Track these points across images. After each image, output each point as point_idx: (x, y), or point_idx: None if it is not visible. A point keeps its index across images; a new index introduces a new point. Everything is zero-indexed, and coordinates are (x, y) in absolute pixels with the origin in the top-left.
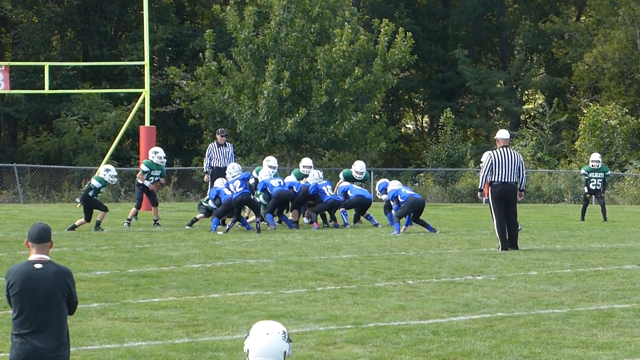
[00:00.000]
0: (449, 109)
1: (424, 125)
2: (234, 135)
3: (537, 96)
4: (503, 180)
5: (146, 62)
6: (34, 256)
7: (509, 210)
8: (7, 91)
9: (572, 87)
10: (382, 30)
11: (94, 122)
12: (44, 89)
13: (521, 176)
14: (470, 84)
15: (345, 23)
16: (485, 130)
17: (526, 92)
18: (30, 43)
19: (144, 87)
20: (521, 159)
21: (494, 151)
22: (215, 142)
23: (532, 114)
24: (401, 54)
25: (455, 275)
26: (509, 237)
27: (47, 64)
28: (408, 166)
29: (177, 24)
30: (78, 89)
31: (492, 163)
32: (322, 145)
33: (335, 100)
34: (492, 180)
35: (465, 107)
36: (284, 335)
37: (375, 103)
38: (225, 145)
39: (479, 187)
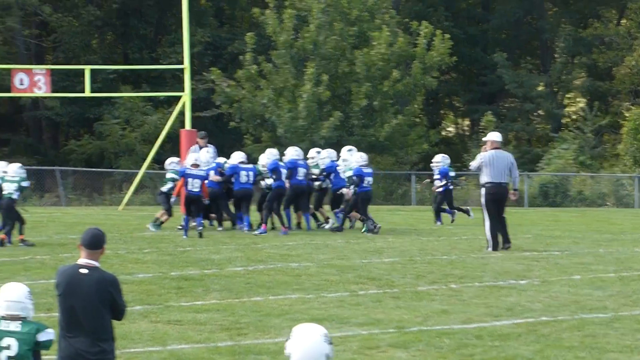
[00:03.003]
0: (490, 112)
1: (465, 128)
2: (273, 138)
3: (578, 99)
4: (495, 181)
5: (186, 65)
6: (82, 260)
7: (499, 210)
8: (49, 95)
9: (613, 90)
10: (421, 32)
11: (135, 125)
12: (84, 92)
13: (513, 176)
14: (510, 87)
15: (383, 26)
16: (526, 134)
17: (567, 96)
18: (70, 47)
19: (183, 91)
20: (512, 159)
21: (486, 153)
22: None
23: (574, 117)
24: (440, 56)
25: (498, 279)
26: (502, 234)
27: (87, 68)
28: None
29: (216, 28)
30: (118, 92)
31: (483, 163)
32: (362, 148)
33: (375, 103)
34: (486, 182)
35: (506, 110)
36: (325, 338)
37: (415, 106)
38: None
39: (470, 167)
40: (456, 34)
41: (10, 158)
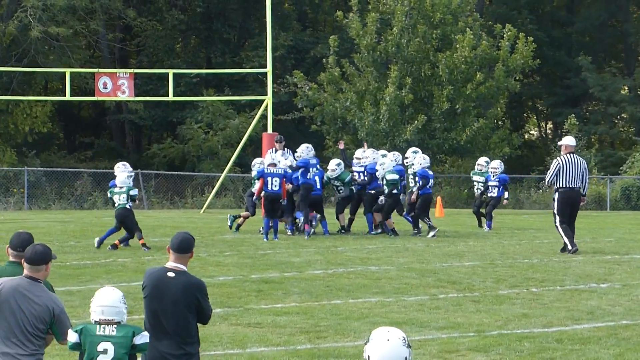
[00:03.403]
0: (573, 115)
1: (548, 131)
2: (355, 141)
3: None
4: (570, 186)
5: (269, 69)
6: (170, 263)
7: (572, 215)
8: (132, 98)
9: None
10: (504, 35)
11: (217, 129)
12: (168, 96)
13: (584, 182)
14: (594, 91)
15: (467, 29)
16: (609, 137)
17: None
18: (154, 50)
19: (266, 94)
20: (585, 165)
21: (561, 157)
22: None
23: None
24: (523, 59)
25: (579, 282)
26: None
27: (171, 72)
28: (531, 173)
29: (299, 31)
30: (201, 96)
31: (559, 169)
32: (444, 151)
33: (457, 106)
34: (560, 185)
35: (590, 113)
36: (404, 341)
37: (498, 109)
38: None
39: (546, 182)
40: (540, 37)
41: (93, 161)
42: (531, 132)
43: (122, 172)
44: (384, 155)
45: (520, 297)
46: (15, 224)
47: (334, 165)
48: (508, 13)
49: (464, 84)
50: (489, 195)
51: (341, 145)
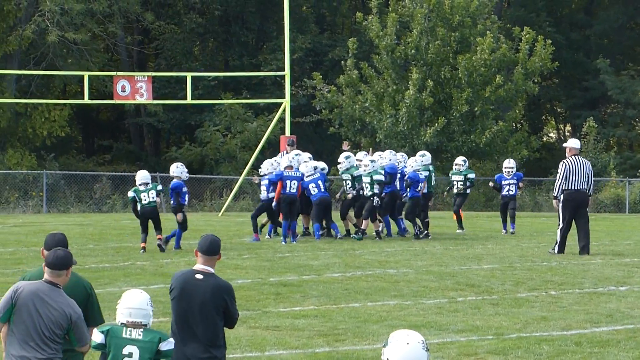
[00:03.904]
0: (591, 118)
1: (567, 134)
2: (373, 144)
3: None
4: (576, 188)
5: (287, 72)
6: (198, 266)
7: (581, 216)
8: (150, 101)
9: None
10: (523, 38)
11: (235, 132)
12: (186, 99)
13: (590, 183)
14: (612, 93)
15: (487, 32)
16: (628, 140)
17: None
18: (172, 54)
19: (284, 97)
20: (590, 166)
21: (567, 160)
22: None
23: None
24: (542, 61)
25: (598, 285)
26: (584, 244)
27: (189, 75)
28: (549, 175)
29: (317, 34)
30: (219, 99)
31: (566, 171)
32: (463, 154)
33: (476, 109)
34: (565, 187)
35: (608, 116)
36: (423, 344)
37: (517, 112)
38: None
39: (554, 195)
40: (558, 40)
41: (112, 165)
42: (550, 134)
43: (181, 172)
44: (423, 155)
45: (539, 300)
46: (34, 227)
47: (342, 158)
48: (526, 16)
49: (483, 86)
50: (507, 194)
51: (345, 147)
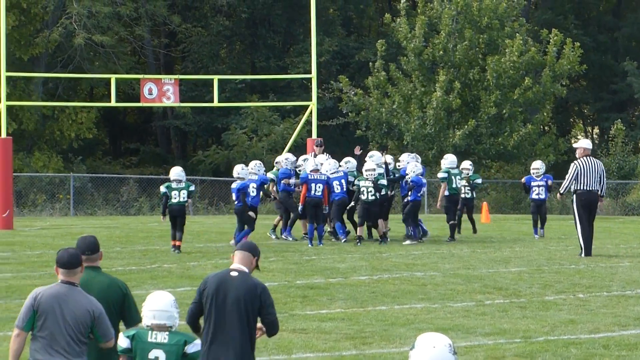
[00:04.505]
0: (619, 120)
1: (594, 136)
2: (400, 146)
3: None
4: (588, 189)
5: (313, 74)
6: (234, 265)
7: (591, 217)
8: (177, 104)
9: None
10: (550, 40)
11: (262, 134)
12: (212, 102)
13: (602, 184)
14: (639, 96)
15: (516, 34)
16: None
17: None
18: (199, 56)
19: (311, 100)
20: (603, 167)
21: (579, 160)
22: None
23: None
24: (570, 64)
25: (626, 288)
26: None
27: (216, 77)
28: None
29: (344, 37)
30: (246, 101)
31: (577, 172)
32: (490, 156)
33: (504, 111)
34: (577, 188)
35: (637, 118)
36: (450, 347)
37: (544, 114)
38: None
39: (560, 192)
40: (586, 42)
41: (139, 168)
42: (578, 137)
43: (246, 173)
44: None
45: (567, 302)
46: (61, 229)
47: (342, 163)
48: (554, 18)
49: (511, 88)
50: (537, 197)
51: (357, 151)
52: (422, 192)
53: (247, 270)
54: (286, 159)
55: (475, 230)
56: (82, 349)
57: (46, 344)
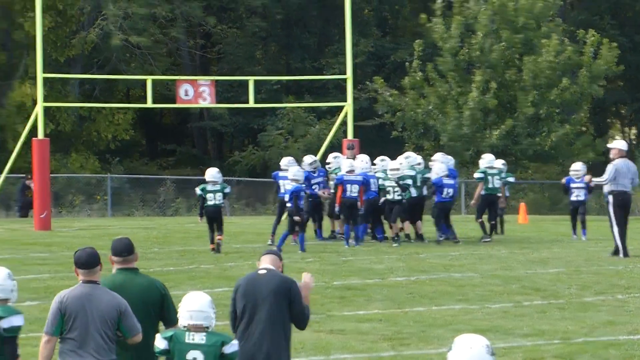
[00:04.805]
0: None
1: (632, 137)
2: (437, 147)
3: None
4: (623, 190)
5: (349, 75)
6: (262, 265)
7: (626, 218)
8: (213, 105)
9: None
10: (587, 40)
11: (297, 135)
12: (248, 103)
13: (633, 184)
14: None
15: (553, 34)
16: None
17: None
18: (234, 58)
19: (346, 101)
20: (635, 169)
21: (616, 162)
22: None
23: None
24: (606, 64)
25: None
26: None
27: (251, 78)
28: None
29: (379, 37)
30: (282, 102)
31: (615, 173)
32: (528, 157)
33: (541, 111)
34: (613, 189)
35: None
36: (488, 348)
37: (582, 115)
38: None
39: (594, 180)
40: (622, 43)
41: (175, 169)
42: (615, 138)
43: (293, 166)
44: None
45: (606, 304)
46: (98, 230)
47: (331, 158)
48: (590, 18)
49: (548, 89)
50: (575, 199)
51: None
52: (448, 193)
53: (274, 269)
54: (308, 163)
55: (498, 231)
56: (110, 347)
57: (75, 345)
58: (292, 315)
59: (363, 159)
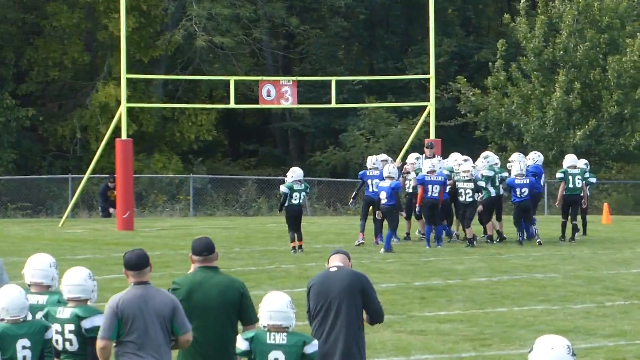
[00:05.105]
0: None
1: None
2: (520, 147)
3: None
4: None
5: (431, 75)
6: (332, 264)
7: None
8: (295, 106)
9: None
10: None
11: (379, 135)
12: (330, 103)
13: None
14: None
15: (638, 34)
16: None
17: None
18: (317, 58)
19: (429, 101)
20: None
21: None
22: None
23: None
24: None
25: None
26: None
27: (333, 79)
28: None
29: (462, 37)
30: (363, 102)
31: None
32: (612, 157)
33: (625, 111)
34: None
35: None
36: (569, 349)
37: None
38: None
39: None
40: None
41: (257, 169)
42: None
43: (389, 163)
44: (465, 160)
45: None
46: (181, 230)
47: (413, 159)
48: None
49: (632, 88)
50: None
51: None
52: (523, 193)
53: (343, 265)
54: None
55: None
56: (168, 347)
57: (135, 348)
58: (367, 310)
59: (456, 159)
